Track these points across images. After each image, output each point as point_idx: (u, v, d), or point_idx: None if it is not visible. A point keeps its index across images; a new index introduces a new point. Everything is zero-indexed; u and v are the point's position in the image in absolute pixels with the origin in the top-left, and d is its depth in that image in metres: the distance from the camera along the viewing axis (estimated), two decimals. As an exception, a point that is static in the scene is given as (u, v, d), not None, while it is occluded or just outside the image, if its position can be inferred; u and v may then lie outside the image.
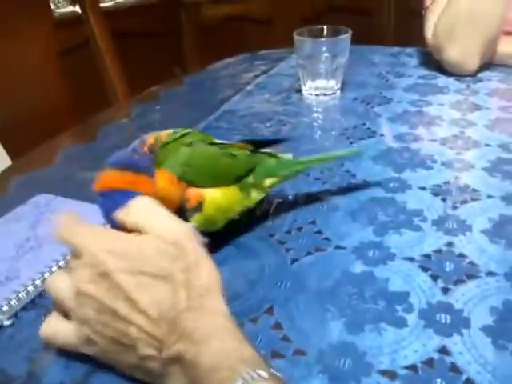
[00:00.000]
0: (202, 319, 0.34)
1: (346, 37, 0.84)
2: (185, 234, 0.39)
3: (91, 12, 1.15)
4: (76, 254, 0.39)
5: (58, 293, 0.38)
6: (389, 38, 1.97)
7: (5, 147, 0.98)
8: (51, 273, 0.48)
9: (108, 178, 0.45)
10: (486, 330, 0.39)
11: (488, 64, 0.92)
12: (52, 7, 2.03)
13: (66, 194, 0.60)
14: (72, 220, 0.41)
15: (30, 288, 0.46)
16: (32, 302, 0.46)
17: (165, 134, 0.49)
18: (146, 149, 0.47)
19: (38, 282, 0.47)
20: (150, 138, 0.48)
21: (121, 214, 0.41)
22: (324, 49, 0.84)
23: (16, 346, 0.42)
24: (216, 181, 0.48)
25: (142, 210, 0.41)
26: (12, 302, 0.45)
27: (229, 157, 0.50)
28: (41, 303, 0.46)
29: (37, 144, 0.79)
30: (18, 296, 0.45)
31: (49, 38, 1.14)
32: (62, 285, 0.38)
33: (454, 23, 0.86)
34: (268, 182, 0.52)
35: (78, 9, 1.21)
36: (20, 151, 0.79)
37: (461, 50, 0.87)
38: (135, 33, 2.01)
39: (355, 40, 0.88)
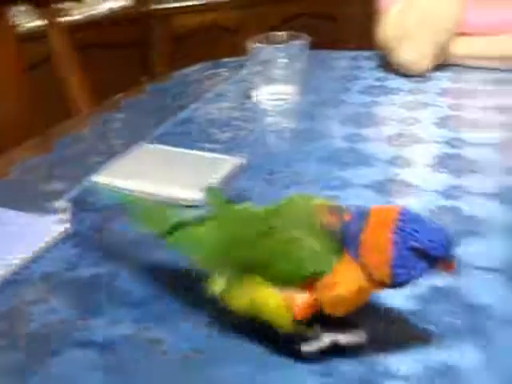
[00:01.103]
0: None
1: (301, 43, 0.86)
2: None
3: (52, 24, 1.15)
4: None
5: None
6: (353, 42, 2.00)
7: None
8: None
9: None
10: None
11: (440, 64, 0.94)
12: (21, 22, 2.03)
13: (20, 206, 0.61)
14: None
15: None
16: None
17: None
18: None
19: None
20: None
21: None
22: (279, 54, 0.85)
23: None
24: None
25: None
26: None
27: None
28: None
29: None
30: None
31: (12, 54, 1.14)
32: None
33: (406, 25, 0.88)
34: None
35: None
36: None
37: (412, 52, 0.89)
38: (106, 44, 2.01)
39: (320, 45, 0.89)
